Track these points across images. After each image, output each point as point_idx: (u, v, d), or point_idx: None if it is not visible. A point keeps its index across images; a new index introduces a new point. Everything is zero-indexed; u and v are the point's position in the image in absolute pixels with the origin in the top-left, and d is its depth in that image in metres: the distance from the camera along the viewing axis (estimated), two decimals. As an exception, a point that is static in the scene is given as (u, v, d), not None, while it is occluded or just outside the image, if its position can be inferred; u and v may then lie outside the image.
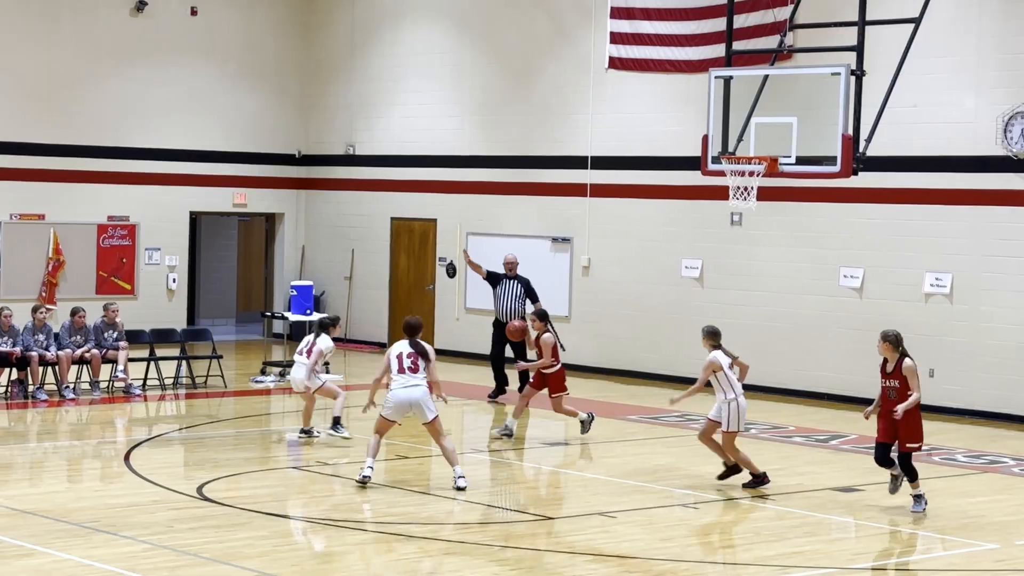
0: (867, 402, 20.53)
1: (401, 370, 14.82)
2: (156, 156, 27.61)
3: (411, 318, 15.36)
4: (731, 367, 15.29)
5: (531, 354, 19.13)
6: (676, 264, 23.78)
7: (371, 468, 14.81)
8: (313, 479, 15.70)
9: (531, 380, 18.21)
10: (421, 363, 14.87)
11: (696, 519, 14.06)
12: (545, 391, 18.10)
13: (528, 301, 21.18)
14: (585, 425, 18.31)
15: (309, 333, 19.12)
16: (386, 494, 14.68)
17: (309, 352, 17.76)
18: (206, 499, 14.28)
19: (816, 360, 22.13)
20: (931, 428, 19.64)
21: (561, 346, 18.54)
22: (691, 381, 23.12)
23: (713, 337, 15.43)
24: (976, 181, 20.62)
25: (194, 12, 27.88)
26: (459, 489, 14.65)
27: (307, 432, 17.93)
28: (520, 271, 21.64)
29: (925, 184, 21.11)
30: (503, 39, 26.21)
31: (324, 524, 13.43)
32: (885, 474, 14.56)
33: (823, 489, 15.53)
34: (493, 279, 21.52)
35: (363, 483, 14.78)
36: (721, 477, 15.44)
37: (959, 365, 20.80)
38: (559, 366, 18.07)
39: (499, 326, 20.99)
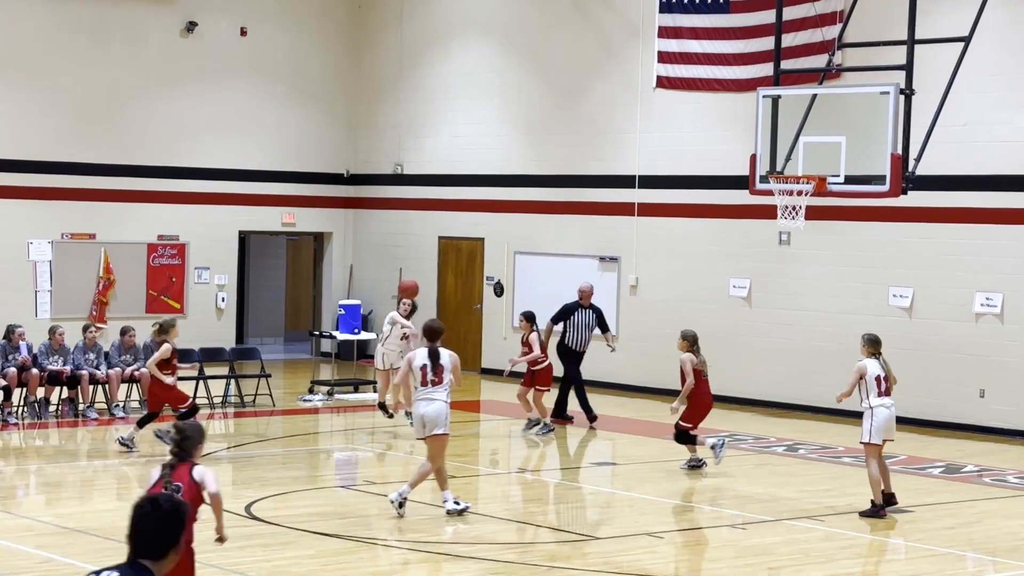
0: (917, 423, 20.47)
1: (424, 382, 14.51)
2: (205, 176, 27.75)
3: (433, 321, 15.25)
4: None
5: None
6: (724, 283, 23.72)
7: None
8: (361, 498, 15.73)
9: (523, 379, 20.25)
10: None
11: (744, 540, 13.99)
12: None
13: (598, 329, 21.38)
14: (544, 426, 20.00)
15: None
16: (433, 513, 14.68)
17: None
18: (254, 517, 14.33)
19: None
20: (982, 449, 19.58)
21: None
22: (740, 401, 23.24)
23: (872, 345, 15.34)
24: (1027, 200, 20.51)
25: (243, 33, 28.06)
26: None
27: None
28: (566, 290, 21.72)
29: (975, 203, 20.99)
30: (551, 58, 26.25)
31: (371, 543, 13.44)
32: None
33: (872, 510, 15.43)
34: (565, 312, 21.43)
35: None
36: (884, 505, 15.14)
37: (1010, 385, 20.65)
38: (547, 362, 20.27)
39: (571, 353, 21.19)
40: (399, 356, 20.04)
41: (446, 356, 14.44)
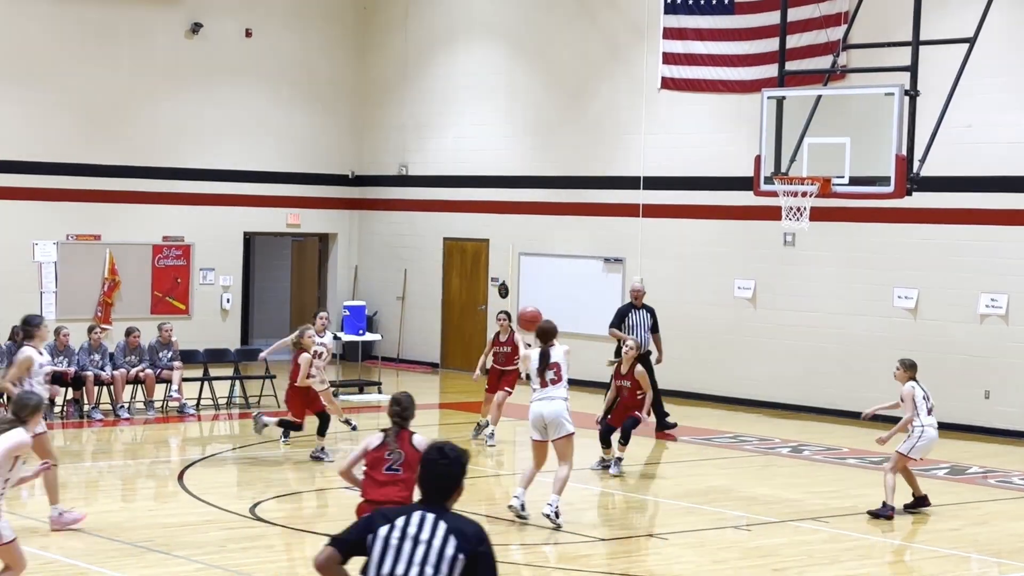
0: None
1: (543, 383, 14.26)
2: (210, 177, 27.79)
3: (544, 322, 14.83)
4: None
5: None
6: (729, 284, 23.72)
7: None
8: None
9: (487, 385, 19.56)
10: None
11: (748, 541, 13.99)
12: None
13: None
14: (479, 430, 19.60)
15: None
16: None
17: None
18: (259, 519, 14.33)
19: (869, 381, 21.96)
20: (986, 450, 19.57)
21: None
22: (745, 402, 23.23)
23: (912, 370, 15.30)
24: (1032, 201, 20.51)
25: (249, 34, 28.08)
26: (546, 516, 14.19)
27: None
28: (572, 291, 21.64)
29: (979, 204, 20.98)
30: (556, 60, 26.25)
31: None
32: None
33: (877, 511, 15.42)
34: (620, 315, 20.87)
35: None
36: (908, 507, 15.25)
37: (1015, 386, 20.64)
38: (515, 367, 19.49)
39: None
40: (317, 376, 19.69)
41: (558, 353, 14.24)
